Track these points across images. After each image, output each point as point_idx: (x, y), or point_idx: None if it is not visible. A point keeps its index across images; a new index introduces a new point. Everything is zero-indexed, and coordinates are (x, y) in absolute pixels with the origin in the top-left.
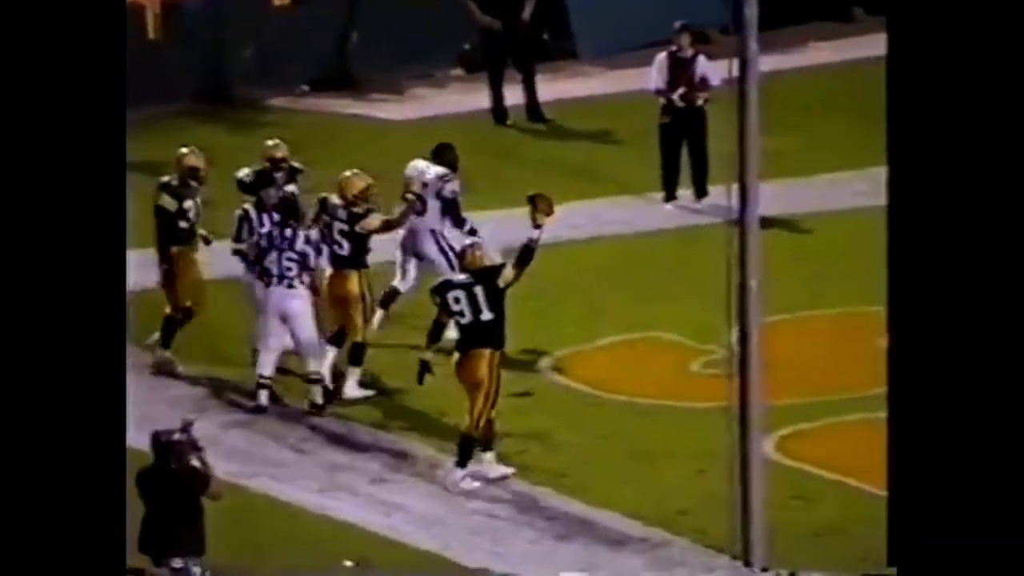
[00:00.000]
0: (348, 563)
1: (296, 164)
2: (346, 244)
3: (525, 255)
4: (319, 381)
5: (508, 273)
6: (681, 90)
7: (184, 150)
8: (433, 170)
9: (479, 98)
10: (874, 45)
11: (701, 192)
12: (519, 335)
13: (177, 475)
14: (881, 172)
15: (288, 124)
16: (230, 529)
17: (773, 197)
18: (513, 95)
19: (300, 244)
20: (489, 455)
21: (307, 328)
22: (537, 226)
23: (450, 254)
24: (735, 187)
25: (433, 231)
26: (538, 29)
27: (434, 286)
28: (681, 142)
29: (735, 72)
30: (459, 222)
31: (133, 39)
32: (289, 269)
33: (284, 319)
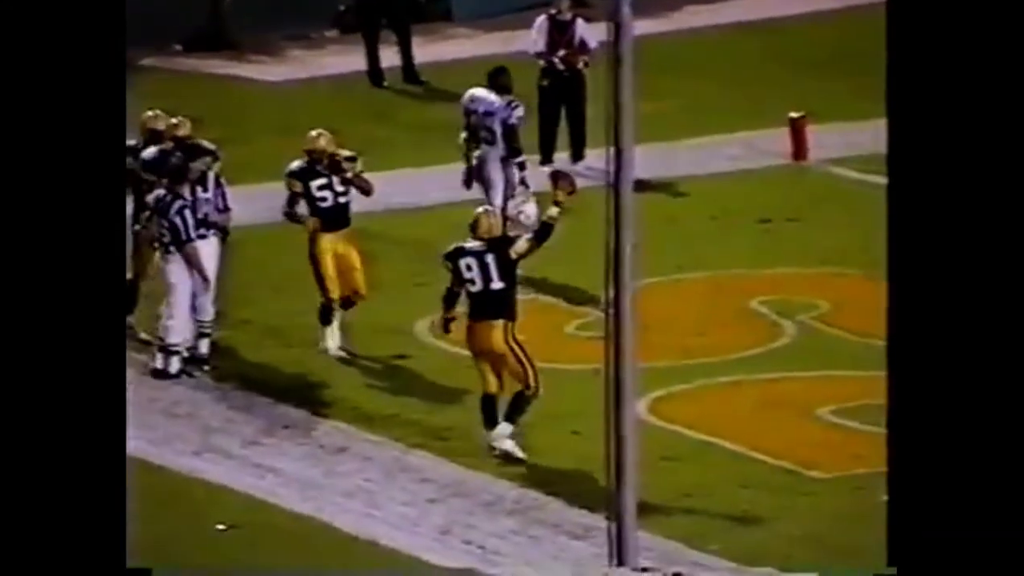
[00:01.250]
0: (220, 527)
1: (203, 143)
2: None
3: (544, 231)
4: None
5: (521, 245)
6: (561, 52)
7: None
8: (495, 98)
9: (355, 60)
10: (747, 10)
11: (578, 155)
12: (393, 303)
13: None
14: (752, 136)
15: (160, 84)
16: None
17: (647, 161)
18: (389, 57)
19: (173, 213)
20: (507, 427)
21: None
22: (557, 203)
23: (514, 180)
24: (611, 150)
25: (502, 158)
26: None
27: (447, 252)
28: (560, 105)
29: (610, 36)
30: (516, 151)
31: None
32: (163, 235)
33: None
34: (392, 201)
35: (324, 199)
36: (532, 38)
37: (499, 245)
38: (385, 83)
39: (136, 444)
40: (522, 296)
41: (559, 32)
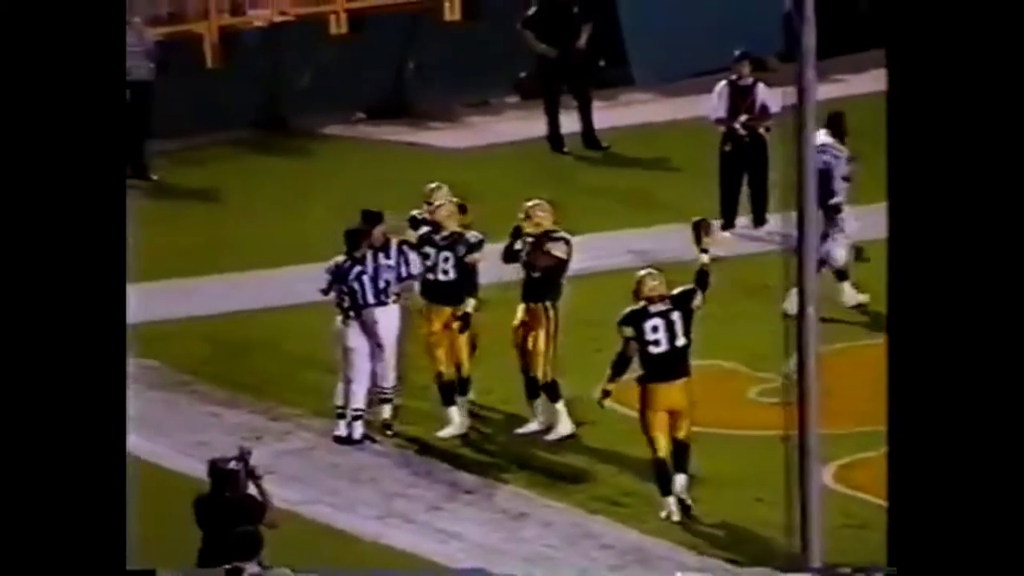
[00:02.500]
0: None
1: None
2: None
3: (703, 280)
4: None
5: (698, 299)
6: (743, 118)
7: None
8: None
9: (535, 125)
10: None
11: (760, 220)
12: (576, 364)
13: (233, 503)
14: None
15: (343, 152)
16: (287, 557)
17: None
18: (569, 122)
19: (351, 278)
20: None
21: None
22: (704, 251)
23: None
24: (793, 215)
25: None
26: (594, 56)
27: (625, 315)
28: (742, 170)
29: (793, 99)
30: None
31: (191, 68)
32: (343, 300)
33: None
34: (571, 266)
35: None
36: (713, 104)
37: (682, 302)
38: (565, 148)
39: (319, 508)
40: (703, 361)
41: (740, 97)
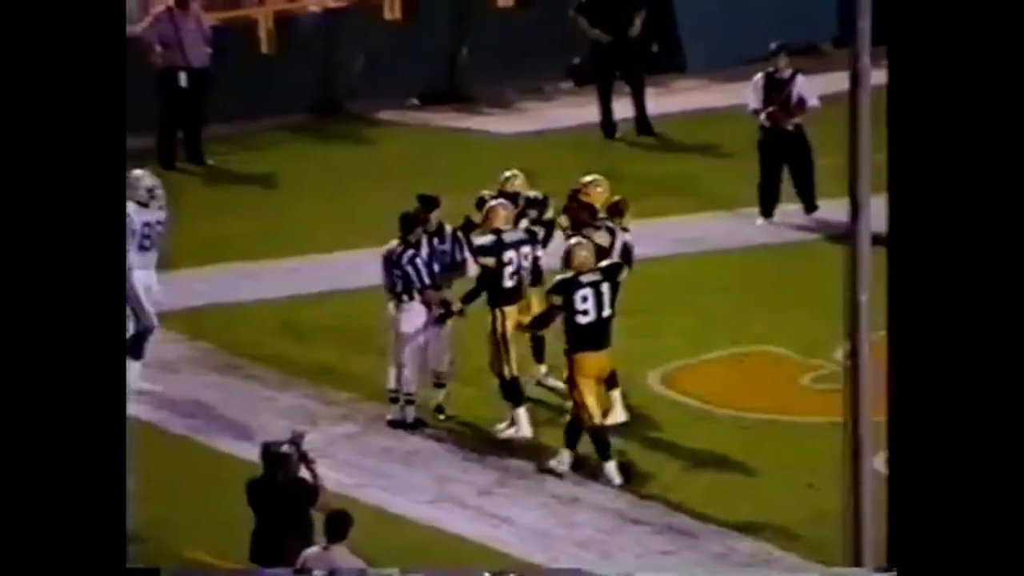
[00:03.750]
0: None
1: (535, 195)
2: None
3: (627, 255)
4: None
5: (624, 273)
6: (768, 110)
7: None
8: None
9: (587, 111)
10: None
11: (810, 207)
12: (627, 349)
13: (286, 487)
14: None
15: (397, 138)
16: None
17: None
18: (621, 108)
19: (405, 262)
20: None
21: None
22: (624, 229)
23: None
24: (846, 201)
25: None
26: (647, 42)
27: (557, 284)
28: (779, 162)
29: (846, 85)
30: None
31: (246, 53)
32: (395, 285)
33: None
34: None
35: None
36: (749, 95)
37: (610, 275)
38: (617, 135)
39: (372, 492)
40: (754, 347)
41: (775, 90)
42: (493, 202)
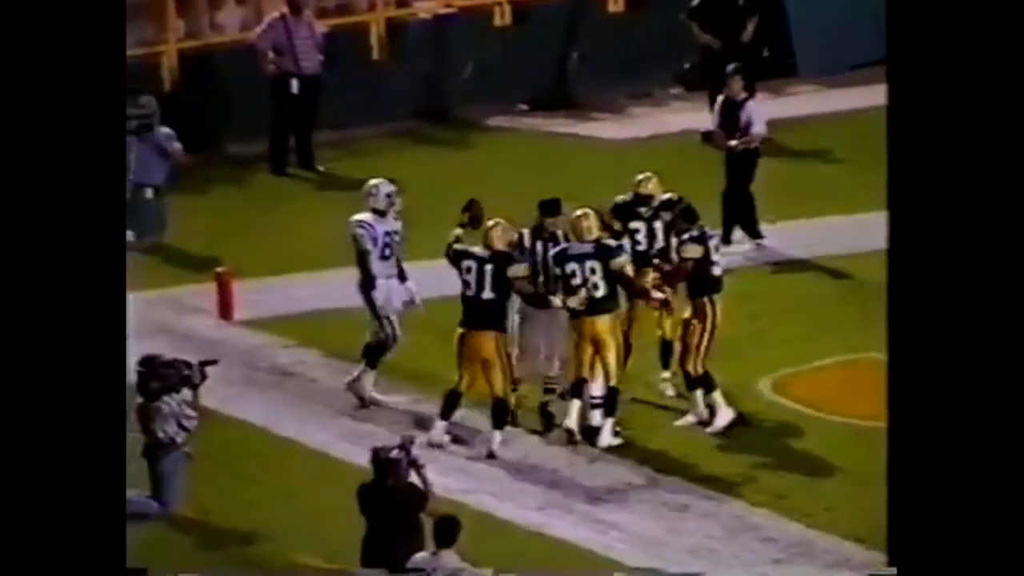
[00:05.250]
0: None
1: (669, 196)
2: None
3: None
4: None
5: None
6: (705, 131)
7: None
8: None
9: (698, 117)
10: None
11: (754, 235)
12: (738, 355)
13: (395, 492)
14: None
15: (506, 144)
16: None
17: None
18: None
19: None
20: (498, 434)
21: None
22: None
23: None
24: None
25: None
26: (759, 46)
27: (449, 250)
28: (732, 185)
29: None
30: None
31: (357, 59)
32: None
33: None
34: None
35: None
36: (711, 118)
37: (502, 260)
38: None
39: (480, 498)
40: (864, 354)
41: (729, 113)
42: (491, 223)
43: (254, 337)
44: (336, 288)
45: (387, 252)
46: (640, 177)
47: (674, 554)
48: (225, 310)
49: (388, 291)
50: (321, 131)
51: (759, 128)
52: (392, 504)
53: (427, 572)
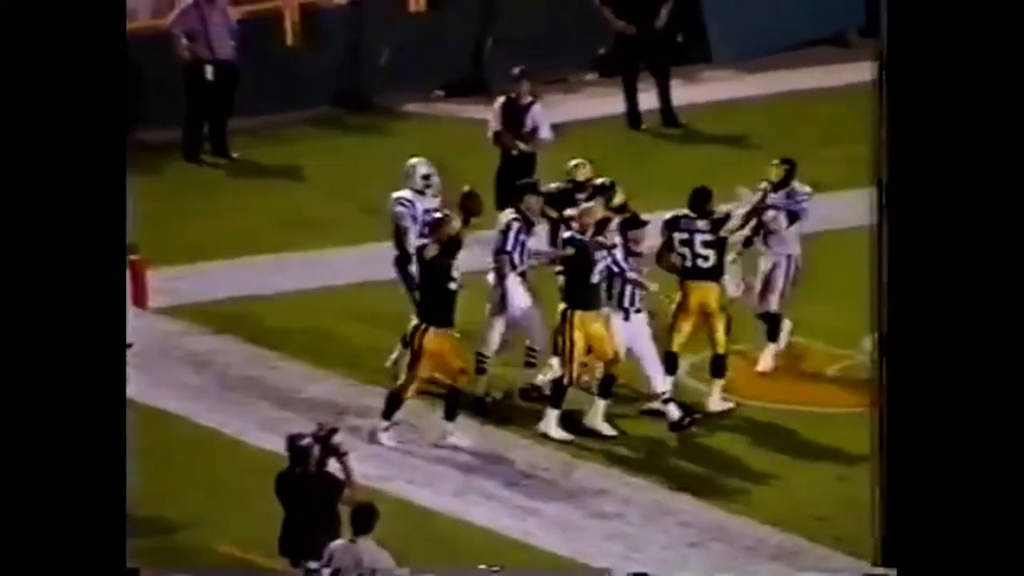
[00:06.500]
0: (483, 567)
1: (602, 181)
2: (711, 255)
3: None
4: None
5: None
6: (494, 131)
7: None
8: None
9: (613, 103)
10: None
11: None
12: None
13: (311, 480)
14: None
15: (423, 130)
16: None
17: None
18: (647, 99)
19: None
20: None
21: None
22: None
23: None
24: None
25: None
26: (673, 33)
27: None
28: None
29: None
30: None
31: (272, 46)
32: None
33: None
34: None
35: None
36: (490, 119)
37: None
38: (643, 126)
39: (398, 485)
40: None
41: (513, 115)
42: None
43: (170, 325)
44: (252, 275)
45: (426, 231)
46: (574, 163)
47: (591, 539)
48: (139, 298)
49: None
50: (236, 118)
51: (546, 134)
52: (308, 492)
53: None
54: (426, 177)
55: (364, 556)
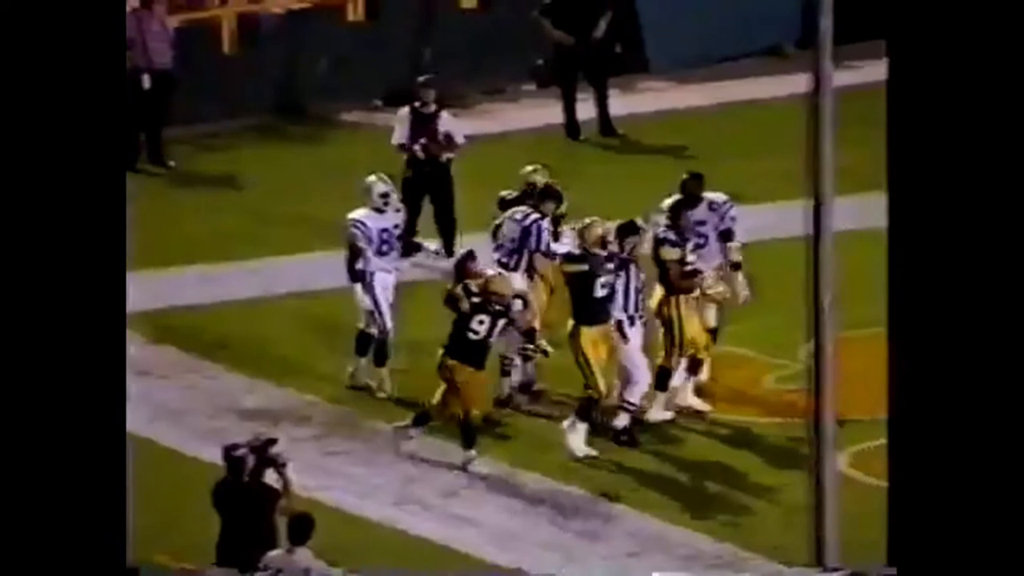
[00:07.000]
0: None
1: (548, 183)
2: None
3: None
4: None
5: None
6: (422, 141)
7: (529, 168)
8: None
9: (551, 113)
10: None
11: (448, 249)
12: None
13: (248, 490)
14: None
15: (362, 139)
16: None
17: (847, 212)
18: (585, 109)
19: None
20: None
21: None
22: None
23: None
24: (810, 203)
25: None
26: (611, 43)
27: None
28: (422, 196)
29: (811, 87)
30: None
31: (209, 54)
32: None
33: None
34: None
35: None
36: (396, 129)
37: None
38: (581, 136)
39: (335, 495)
40: (719, 348)
41: (421, 124)
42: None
43: None
44: (189, 284)
45: (384, 248)
46: (529, 168)
47: (530, 549)
48: None
49: (385, 284)
50: (173, 126)
51: (461, 139)
52: (245, 502)
53: (275, 571)
54: (384, 196)
55: (301, 566)
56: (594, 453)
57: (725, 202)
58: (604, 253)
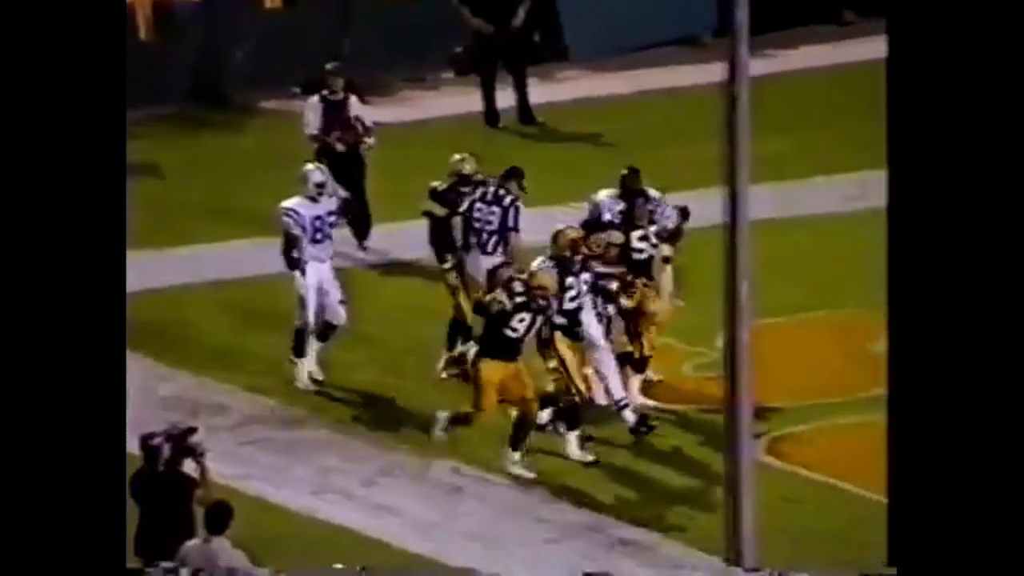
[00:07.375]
0: (339, 567)
1: (482, 177)
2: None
3: None
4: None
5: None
6: (337, 132)
7: (457, 156)
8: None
9: (470, 101)
10: (866, 48)
11: (362, 236)
12: None
13: (164, 480)
14: (868, 175)
15: (280, 127)
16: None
17: (764, 201)
18: (505, 97)
19: None
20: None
21: None
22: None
23: None
24: (726, 191)
25: None
26: (530, 31)
27: None
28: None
29: (725, 75)
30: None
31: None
32: None
33: None
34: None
35: None
36: (306, 119)
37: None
38: (500, 124)
39: (253, 484)
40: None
41: (332, 112)
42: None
43: None
44: None
45: (319, 236)
46: (457, 157)
47: (449, 537)
48: None
49: (319, 274)
50: None
51: (370, 124)
52: (161, 492)
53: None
54: (320, 185)
55: (218, 556)
56: (592, 458)
57: (660, 199)
58: (578, 258)
